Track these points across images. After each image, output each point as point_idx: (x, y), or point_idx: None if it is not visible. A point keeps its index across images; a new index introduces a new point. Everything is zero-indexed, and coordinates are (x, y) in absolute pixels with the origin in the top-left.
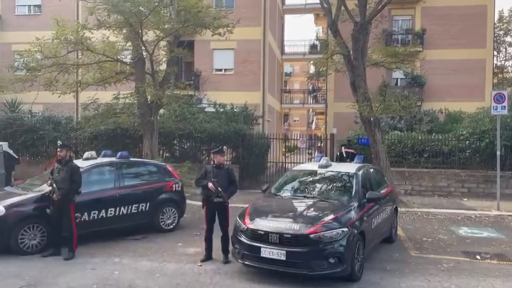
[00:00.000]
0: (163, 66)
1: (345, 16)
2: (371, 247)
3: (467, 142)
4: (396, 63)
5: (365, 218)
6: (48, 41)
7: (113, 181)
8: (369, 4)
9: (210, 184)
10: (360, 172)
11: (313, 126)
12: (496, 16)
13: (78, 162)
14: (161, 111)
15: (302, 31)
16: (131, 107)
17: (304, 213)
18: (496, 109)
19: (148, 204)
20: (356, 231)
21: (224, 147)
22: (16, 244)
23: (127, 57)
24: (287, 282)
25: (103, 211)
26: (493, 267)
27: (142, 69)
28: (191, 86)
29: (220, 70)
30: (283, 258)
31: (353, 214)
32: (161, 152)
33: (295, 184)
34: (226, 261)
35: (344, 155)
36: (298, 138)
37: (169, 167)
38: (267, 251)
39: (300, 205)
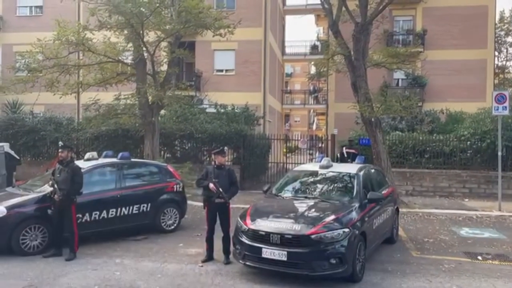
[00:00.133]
0: (164, 67)
1: (346, 16)
2: (372, 247)
3: (468, 142)
4: (397, 63)
5: (366, 219)
6: (50, 42)
7: (114, 182)
8: (370, 4)
9: (211, 185)
10: (361, 173)
11: (314, 126)
12: (497, 17)
13: (80, 163)
14: (162, 111)
15: (303, 31)
16: (132, 108)
17: (305, 213)
18: (497, 109)
19: (149, 204)
20: (357, 232)
21: (225, 147)
22: (17, 245)
23: (128, 58)
24: (288, 282)
25: (104, 211)
26: (494, 268)
27: (143, 70)
28: (192, 87)
29: (221, 70)
30: (284, 258)
31: (354, 215)
32: (162, 152)
33: (296, 184)
34: (227, 262)
35: (345, 155)
36: (299, 138)
37: (170, 168)
38: (268, 252)
39: (301, 206)
